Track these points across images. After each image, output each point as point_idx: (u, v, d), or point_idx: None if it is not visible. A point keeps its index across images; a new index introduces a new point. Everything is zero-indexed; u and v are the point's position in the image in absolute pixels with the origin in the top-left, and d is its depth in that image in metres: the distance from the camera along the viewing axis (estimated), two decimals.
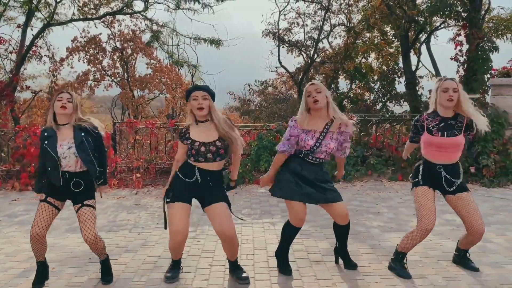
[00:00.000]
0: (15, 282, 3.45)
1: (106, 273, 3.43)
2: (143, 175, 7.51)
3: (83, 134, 3.16)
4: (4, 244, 4.45)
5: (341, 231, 3.53)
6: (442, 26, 12.35)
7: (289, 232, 3.49)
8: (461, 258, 3.66)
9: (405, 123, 8.63)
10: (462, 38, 10.67)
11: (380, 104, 14.69)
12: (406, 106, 14.31)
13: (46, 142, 3.12)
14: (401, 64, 13.91)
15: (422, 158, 3.46)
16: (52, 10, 10.60)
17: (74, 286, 3.35)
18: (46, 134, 3.16)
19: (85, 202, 3.19)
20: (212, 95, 3.26)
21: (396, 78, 14.72)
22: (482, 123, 3.24)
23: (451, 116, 3.29)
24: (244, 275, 3.38)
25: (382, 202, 6.23)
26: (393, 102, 14.52)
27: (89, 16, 11.26)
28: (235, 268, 3.44)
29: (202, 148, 3.16)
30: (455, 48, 10.85)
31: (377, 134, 7.95)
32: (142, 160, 7.51)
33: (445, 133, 3.24)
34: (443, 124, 3.27)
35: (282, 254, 3.60)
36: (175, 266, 3.51)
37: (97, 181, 3.33)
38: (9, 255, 4.10)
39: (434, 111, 3.35)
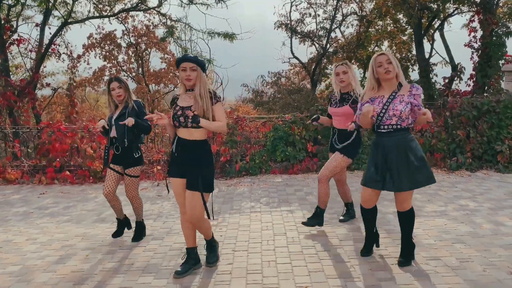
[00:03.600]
0: (53, 268, 3.71)
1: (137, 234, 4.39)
2: (163, 167, 7.75)
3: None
4: (39, 234, 4.73)
5: (399, 218, 3.49)
6: (455, 12, 12.25)
7: (362, 214, 3.66)
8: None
9: None
10: (476, 24, 10.64)
11: None
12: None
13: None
14: (414, 52, 13.86)
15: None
16: (69, 9, 10.85)
17: (107, 271, 3.59)
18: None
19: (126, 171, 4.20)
20: (202, 66, 3.22)
21: (410, 66, 14.67)
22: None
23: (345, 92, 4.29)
24: (212, 260, 3.58)
25: None
26: None
27: (105, 13, 11.49)
28: (208, 248, 3.64)
29: (179, 112, 3.18)
30: (469, 35, 10.84)
31: None
32: (162, 152, 7.75)
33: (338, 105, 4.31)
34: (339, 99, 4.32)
35: (366, 236, 3.76)
36: (189, 258, 3.48)
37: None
38: (44, 244, 4.37)
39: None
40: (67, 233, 4.72)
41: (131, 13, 15.75)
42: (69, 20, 10.98)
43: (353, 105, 4.18)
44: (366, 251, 3.72)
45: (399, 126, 3.24)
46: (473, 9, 11.24)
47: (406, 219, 3.44)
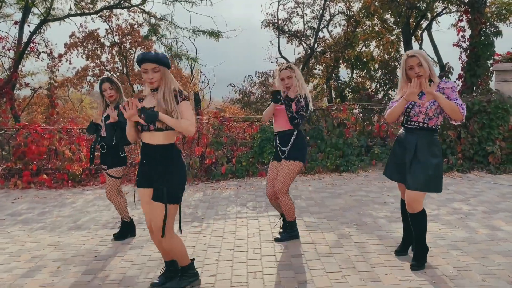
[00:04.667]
0: (20, 282, 3.40)
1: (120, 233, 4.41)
2: None
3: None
4: (8, 243, 4.41)
5: (410, 220, 3.38)
6: (443, 12, 12.18)
7: (401, 205, 3.60)
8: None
9: None
10: (464, 23, 10.55)
11: (382, 93, 14.55)
12: None
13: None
14: (402, 52, 13.76)
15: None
16: (49, 6, 10.46)
17: (79, 285, 3.30)
18: None
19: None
20: (165, 64, 2.87)
21: (398, 66, 14.58)
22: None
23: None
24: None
25: (387, 191, 6.17)
26: (395, 90, 14.40)
27: (86, 11, 11.12)
28: (178, 277, 3.14)
29: (142, 115, 2.84)
30: (458, 34, 10.74)
31: (381, 123, 7.87)
32: None
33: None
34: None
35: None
36: (167, 270, 3.19)
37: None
38: (13, 254, 4.06)
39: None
40: (39, 242, 4.41)
41: (115, 11, 15.40)
42: (48, 18, 10.57)
43: (298, 104, 3.87)
44: (401, 251, 3.66)
45: (425, 125, 3.19)
46: (461, 8, 11.17)
47: (416, 221, 3.31)
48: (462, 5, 10.34)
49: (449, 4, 10.76)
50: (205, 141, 7.41)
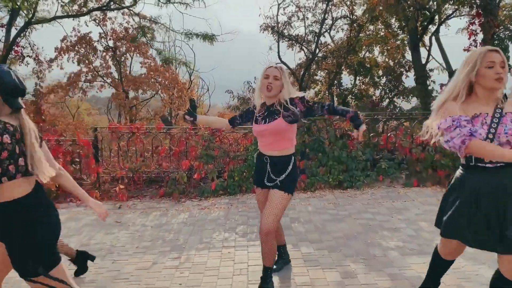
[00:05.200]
0: None
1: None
2: (127, 186, 6.75)
3: None
4: None
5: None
6: (453, 15, 11.50)
7: (437, 263, 2.74)
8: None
9: (420, 122, 7.73)
10: (476, 27, 9.87)
11: (387, 100, 13.85)
12: (414, 102, 13.50)
13: None
14: (408, 57, 13.08)
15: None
16: (33, 6, 9.83)
17: None
18: None
19: None
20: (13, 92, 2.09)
21: (404, 72, 13.89)
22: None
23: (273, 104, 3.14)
24: None
25: (397, 213, 5.44)
26: (401, 97, 13.68)
27: (74, 13, 10.49)
28: None
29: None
30: (469, 38, 10.05)
31: (388, 134, 7.14)
32: (126, 169, 6.74)
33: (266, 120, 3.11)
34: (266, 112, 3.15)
35: None
36: None
37: None
38: None
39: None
40: None
41: (110, 15, 14.80)
42: (33, 19, 9.94)
43: (287, 115, 3.01)
44: None
45: None
46: (472, 12, 10.49)
47: None
48: (475, 7, 9.64)
49: (460, 6, 10.08)
50: (194, 153, 6.70)
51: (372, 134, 7.16)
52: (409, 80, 13.64)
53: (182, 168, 6.58)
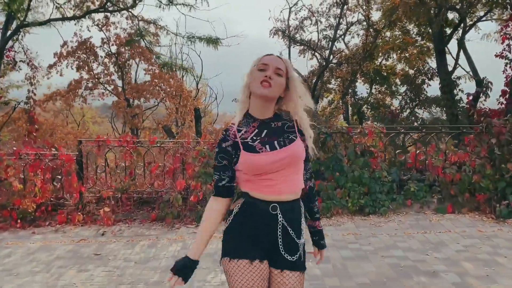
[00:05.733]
0: None
1: None
2: (115, 207, 5.86)
3: None
4: None
5: None
6: (483, 17, 10.50)
7: None
8: None
9: (454, 137, 6.73)
10: (510, 30, 8.90)
11: (408, 111, 12.83)
12: (437, 113, 12.48)
13: None
14: (431, 64, 12.08)
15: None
16: (25, 8, 9.12)
17: None
18: None
19: None
20: None
21: (426, 81, 12.87)
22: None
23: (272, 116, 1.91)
24: None
25: (433, 250, 4.47)
26: (423, 108, 12.66)
27: (69, 16, 9.77)
28: None
29: None
30: (502, 43, 9.08)
31: (417, 151, 6.15)
32: (113, 188, 5.86)
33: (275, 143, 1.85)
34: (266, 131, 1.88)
35: None
36: None
37: None
38: None
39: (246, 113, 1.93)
40: None
41: (113, 19, 14.10)
42: (25, 22, 9.22)
43: (301, 134, 1.92)
44: None
45: None
46: (504, 15, 9.52)
47: None
48: (509, 7, 8.67)
49: (493, 6, 9.10)
50: (191, 171, 5.79)
51: (398, 151, 6.19)
52: (430, 89, 12.63)
53: (177, 188, 5.68)
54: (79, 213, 5.82)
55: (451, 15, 10.87)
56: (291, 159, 1.82)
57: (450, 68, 10.39)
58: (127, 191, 5.95)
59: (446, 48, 10.30)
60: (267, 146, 1.82)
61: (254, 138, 1.84)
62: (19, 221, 5.76)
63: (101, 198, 6.13)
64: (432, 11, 9.23)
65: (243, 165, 1.82)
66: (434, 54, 10.93)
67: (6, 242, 5.17)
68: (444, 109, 10.53)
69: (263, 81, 1.79)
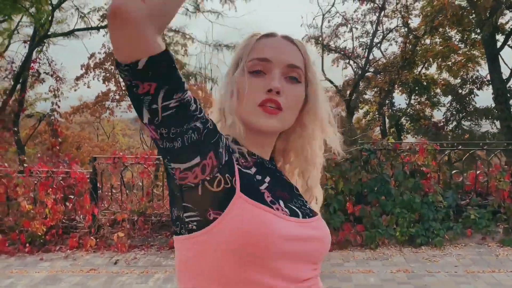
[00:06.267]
0: None
1: None
2: (130, 231, 5.28)
3: None
4: None
5: None
6: None
7: None
8: None
9: (506, 153, 5.86)
10: None
11: (454, 123, 11.79)
12: (486, 126, 11.39)
13: None
14: (482, 72, 11.04)
15: None
16: (49, 18, 8.85)
17: None
18: None
19: None
20: None
21: (475, 90, 11.81)
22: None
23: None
24: None
25: None
26: (471, 120, 11.59)
27: (93, 26, 9.46)
28: None
29: None
30: None
31: (477, 172, 5.26)
32: (128, 210, 5.27)
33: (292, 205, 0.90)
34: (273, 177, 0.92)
35: None
36: None
37: None
38: None
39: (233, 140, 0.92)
40: None
41: None
42: (48, 33, 8.94)
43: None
44: None
45: None
46: None
47: None
48: None
49: None
50: None
51: (454, 172, 5.32)
52: (482, 99, 11.56)
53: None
54: (91, 237, 5.27)
55: (501, 20, 9.93)
56: (322, 246, 0.91)
57: (504, 77, 9.38)
58: (144, 213, 5.36)
59: (499, 55, 9.29)
60: (281, 204, 0.86)
61: (259, 179, 0.88)
62: (27, 245, 5.28)
63: (116, 221, 5.57)
64: (485, 11, 8.31)
65: (246, 224, 0.78)
66: (485, 61, 9.93)
67: (10, 270, 4.68)
68: (499, 121, 9.50)
69: (266, 101, 0.88)
